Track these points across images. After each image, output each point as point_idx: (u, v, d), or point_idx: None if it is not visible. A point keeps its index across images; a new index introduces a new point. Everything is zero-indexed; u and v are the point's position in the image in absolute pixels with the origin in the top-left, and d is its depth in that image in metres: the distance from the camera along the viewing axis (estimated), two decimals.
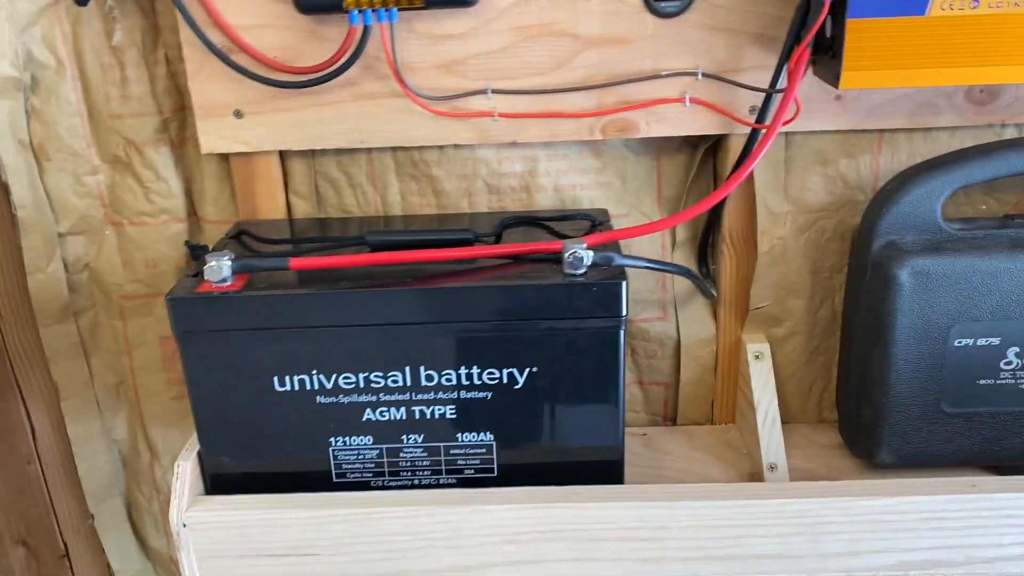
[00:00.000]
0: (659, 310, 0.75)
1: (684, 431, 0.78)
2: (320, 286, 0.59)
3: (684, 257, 0.75)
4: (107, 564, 0.87)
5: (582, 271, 0.58)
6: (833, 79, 0.60)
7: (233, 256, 0.59)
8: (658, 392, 0.78)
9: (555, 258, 0.60)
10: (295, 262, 0.59)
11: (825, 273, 0.73)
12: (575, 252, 0.57)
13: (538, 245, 0.60)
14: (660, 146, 0.72)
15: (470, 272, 0.60)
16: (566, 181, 0.72)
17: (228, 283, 0.58)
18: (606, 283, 0.57)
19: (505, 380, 0.59)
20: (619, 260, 0.58)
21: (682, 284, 0.75)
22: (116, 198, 0.74)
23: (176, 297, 0.58)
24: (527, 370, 0.59)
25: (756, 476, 0.71)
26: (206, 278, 0.58)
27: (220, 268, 0.58)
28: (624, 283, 0.57)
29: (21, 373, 0.79)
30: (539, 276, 0.58)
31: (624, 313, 0.57)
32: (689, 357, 0.76)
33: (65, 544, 0.86)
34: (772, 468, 0.69)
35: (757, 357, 0.72)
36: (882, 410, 0.67)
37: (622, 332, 0.58)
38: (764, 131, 0.62)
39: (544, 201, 0.73)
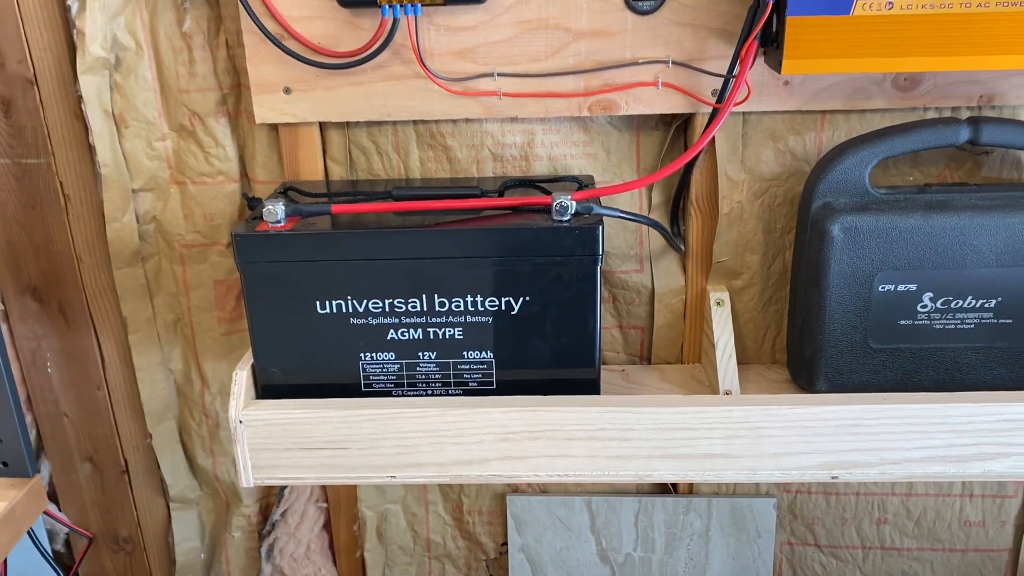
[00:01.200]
0: (636, 263, 0.89)
1: (657, 368, 0.91)
2: (356, 227, 0.72)
3: (659, 218, 0.88)
4: (161, 479, 1.01)
5: (567, 218, 0.71)
6: (777, 66, 0.73)
7: (285, 201, 0.72)
8: (635, 335, 0.92)
9: (546, 210, 0.73)
10: (337, 208, 0.73)
11: (777, 233, 0.86)
12: (562, 202, 0.71)
13: (532, 199, 0.74)
14: (639, 123, 0.85)
15: (477, 219, 0.74)
16: (559, 152, 0.86)
17: (282, 224, 0.72)
18: (586, 227, 0.70)
19: (503, 307, 0.73)
20: (597, 210, 0.72)
21: (656, 241, 0.88)
22: (181, 161, 0.88)
23: (240, 234, 0.72)
24: (521, 299, 0.73)
25: None
26: (264, 219, 0.72)
27: (276, 211, 0.71)
28: (601, 227, 0.70)
29: (95, 309, 0.93)
30: (533, 222, 0.72)
31: (600, 252, 0.71)
32: (662, 304, 0.89)
33: (126, 461, 1.00)
34: (727, 394, 0.82)
35: (718, 303, 0.86)
36: (818, 346, 0.80)
37: (599, 268, 0.72)
38: (720, 109, 0.75)
39: (540, 168, 0.86)
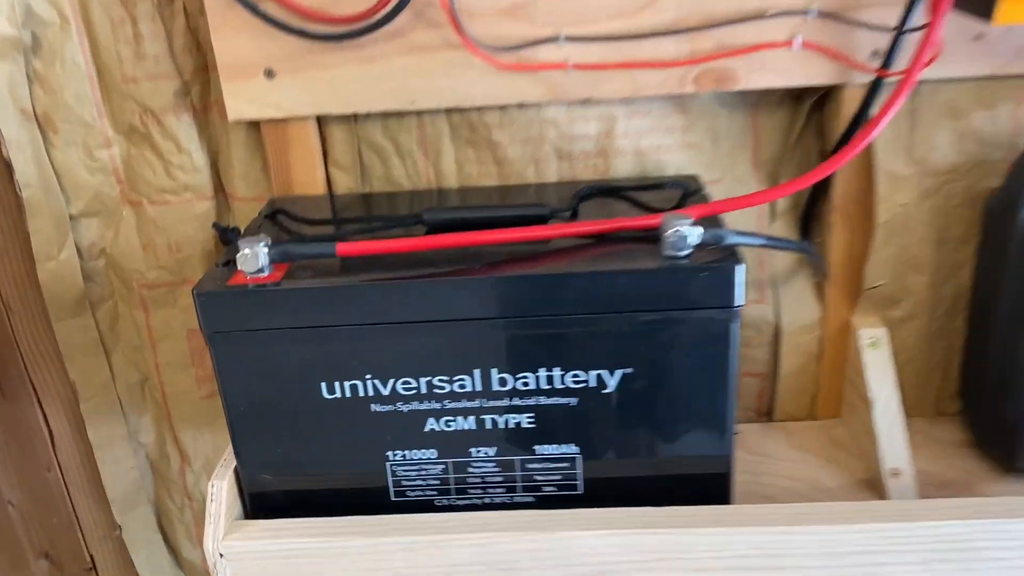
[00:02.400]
0: (756, 291, 0.65)
1: (782, 428, 0.68)
2: (373, 276, 0.49)
3: (784, 229, 0.65)
4: None
5: (686, 252, 0.48)
6: (984, 11, 0.49)
7: (270, 241, 0.49)
8: (752, 384, 0.69)
9: (650, 236, 0.50)
10: (343, 247, 0.49)
11: (951, 244, 0.62)
12: (678, 229, 0.47)
13: (633, 220, 0.50)
14: (757, 100, 0.62)
15: (549, 256, 0.51)
16: (648, 143, 0.62)
17: (265, 274, 0.49)
18: (717, 267, 0.47)
19: (593, 384, 0.50)
20: (732, 238, 0.48)
21: (783, 260, 0.65)
22: (133, 174, 0.65)
23: (205, 292, 0.49)
24: (620, 372, 0.50)
25: (873, 482, 0.61)
26: (239, 268, 0.49)
27: (256, 256, 0.48)
28: (739, 267, 0.47)
29: (35, 373, 0.71)
30: (633, 259, 0.48)
31: (739, 303, 0.48)
32: (790, 344, 0.66)
33: (91, 556, 0.78)
34: (895, 474, 0.59)
35: (873, 344, 0.62)
36: None
37: (735, 326, 0.48)
38: (901, 77, 0.51)
39: (622, 167, 0.63)
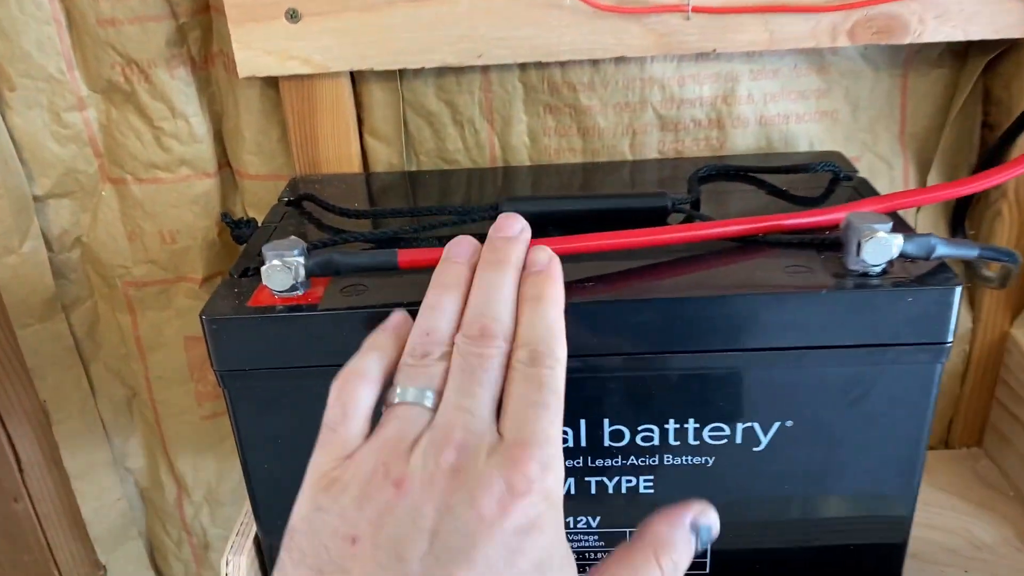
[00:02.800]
0: None
1: None
2: None
3: (931, 219, 0.52)
4: None
5: (881, 266, 0.35)
6: None
7: (305, 248, 0.36)
8: None
9: (824, 241, 0.37)
10: (407, 256, 0.36)
11: None
12: (875, 235, 0.34)
13: (800, 217, 0.37)
14: (910, 56, 0.49)
15: (678, 267, 0.38)
16: (775, 110, 0.49)
17: (300, 292, 0.36)
18: (931, 289, 0.34)
19: (739, 439, 0.37)
20: (943, 249, 0.35)
21: None
22: (114, 144, 0.52)
23: (218, 317, 0.35)
24: (776, 424, 0.37)
25: None
26: (265, 283, 0.36)
27: (288, 269, 0.35)
28: (957, 290, 0.34)
29: None
30: (803, 275, 0.36)
31: (950, 338, 0.35)
32: None
33: None
34: None
35: None
36: None
37: (940, 367, 0.36)
38: None
39: (742, 141, 0.50)
